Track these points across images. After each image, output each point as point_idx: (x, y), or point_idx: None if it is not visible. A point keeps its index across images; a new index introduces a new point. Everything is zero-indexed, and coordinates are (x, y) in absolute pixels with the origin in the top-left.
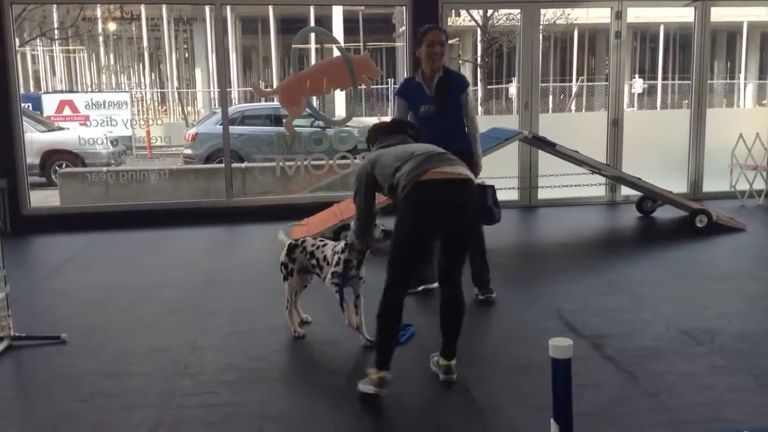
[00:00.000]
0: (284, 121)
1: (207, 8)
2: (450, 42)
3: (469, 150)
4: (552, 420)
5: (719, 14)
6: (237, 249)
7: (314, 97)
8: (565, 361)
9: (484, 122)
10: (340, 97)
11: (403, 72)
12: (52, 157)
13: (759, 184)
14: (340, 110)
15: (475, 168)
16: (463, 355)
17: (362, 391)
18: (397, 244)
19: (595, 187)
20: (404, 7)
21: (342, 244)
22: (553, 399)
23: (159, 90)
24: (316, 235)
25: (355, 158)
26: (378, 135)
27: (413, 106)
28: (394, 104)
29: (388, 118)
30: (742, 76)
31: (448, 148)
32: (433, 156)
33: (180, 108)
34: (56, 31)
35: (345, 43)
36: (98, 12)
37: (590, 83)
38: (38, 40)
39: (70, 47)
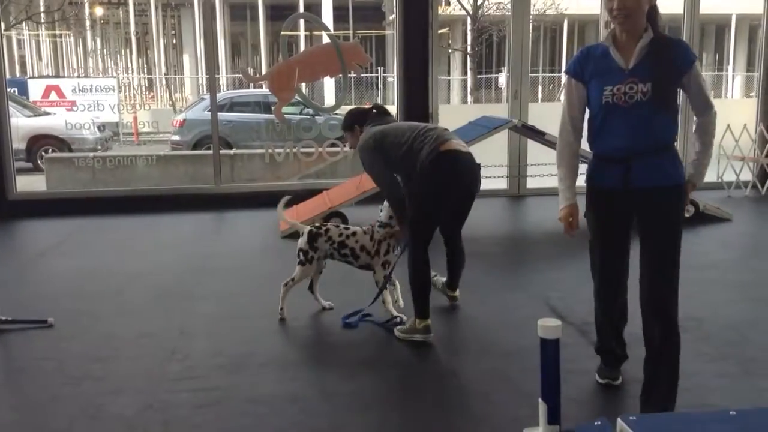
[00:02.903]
0: (273, 108)
1: None
2: (440, 31)
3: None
4: (540, 399)
5: (708, 6)
6: (225, 235)
7: (304, 84)
8: (553, 341)
9: (473, 111)
10: (329, 84)
11: (392, 60)
12: (39, 142)
13: (746, 175)
14: (329, 97)
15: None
16: (450, 341)
17: (408, 340)
18: (419, 207)
19: (583, 177)
20: None
21: (378, 229)
22: (542, 379)
23: (146, 76)
24: (306, 222)
25: (345, 146)
26: (367, 115)
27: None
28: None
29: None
30: (730, 67)
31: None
32: (444, 131)
33: (168, 94)
34: (42, 15)
35: (334, 31)
36: None
37: None
38: (24, 24)
39: (57, 32)
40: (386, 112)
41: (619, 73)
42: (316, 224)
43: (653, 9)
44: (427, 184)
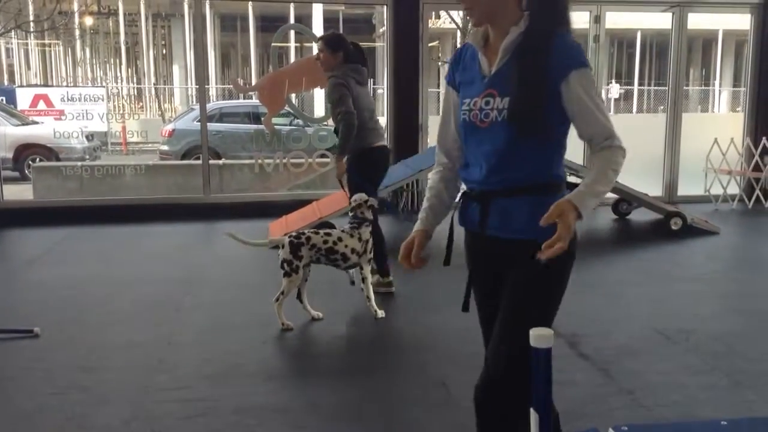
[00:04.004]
0: (263, 118)
1: (186, 4)
2: (430, 44)
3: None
4: (531, 409)
5: (695, 22)
6: (214, 246)
7: (293, 95)
8: (545, 350)
9: None
10: (319, 95)
11: (382, 72)
12: (26, 151)
13: (732, 189)
14: (319, 108)
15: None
16: (439, 351)
17: (381, 292)
18: (365, 186)
19: None
20: (385, 7)
21: (364, 229)
22: (533, 389)
23: (136, 85)
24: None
25: (329, 122)
26: (349, 48)
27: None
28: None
29: None
30: (717, 83)
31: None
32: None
33: (157, 104)
34: (32, 24)
35: None
36: (75, 6)
37: None
38: (13, 33)
39: (46, 41)
40: (362, 53)
41: (480, 81)
42: (293, 233)
43: None
44: (369, 164)
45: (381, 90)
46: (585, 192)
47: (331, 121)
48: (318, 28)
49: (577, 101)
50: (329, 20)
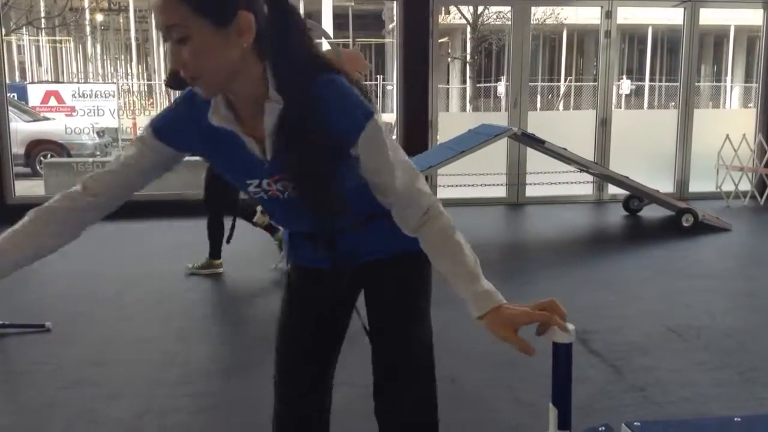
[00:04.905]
0: None
1: None
2: (440, 40)
3: None
4: (551, 404)
5: (707, 17)
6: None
7: None
8: (566, 345)
9: (473, 119)
10: None
11: (391, 68)
12: (38, 147)
13: (744, 185)
14: None
15: None
16: (449, 347)
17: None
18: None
19: (582, 186)
20: (395, 3)
21: None
22: (553, 383)
23: (146, 82)
24: None
25: None
26: None
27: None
28: None
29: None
30: (728, 78)
31: None
32: None
33: (167, 100)
34: (43, 21)
35: (334, 38)
36: (86, 2)
37: (578, 83)
38: (24, 30)
39: (57, 37)
40: None
41: (259, 165)
42: None
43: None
44: None
45: (390, 86)
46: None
47: None
48: (328, 24)
49: (371, 163)
50: (339, 16)
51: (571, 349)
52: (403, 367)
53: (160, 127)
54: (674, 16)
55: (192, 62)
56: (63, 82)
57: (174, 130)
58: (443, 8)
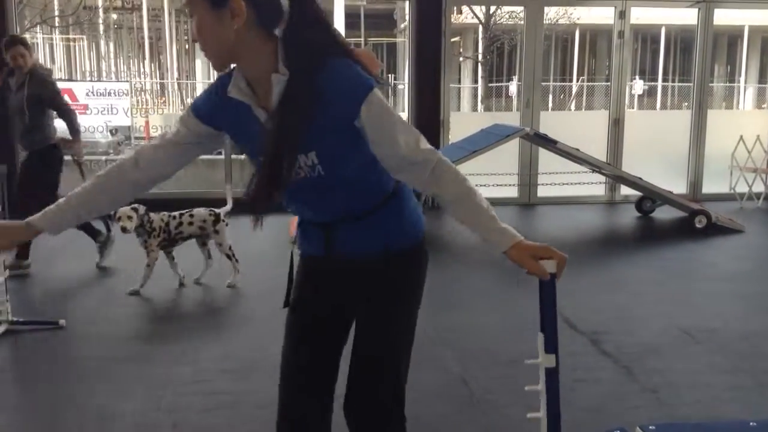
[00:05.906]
0: None
1: None
2: (452, 39)
3: None
4: (539, 332)
5: (721, 18)
6: (236, 239)
7: None
8: (551, 280)
9: (485, 119)
10: None
11: (403, 67)
12: None
13: (758, 187)
14: None
15: None
16: (460, 349)
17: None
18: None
19: (594, 186)
20: (407, 3)
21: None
22: (541, 314)
23: (159, 80)
24: None
25: None
26: None
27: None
28: None
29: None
30: (742, 79)
31: None
32: None
33: (180, 99)
34: (57, 19)
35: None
36: (99, 1)
37: (590, 83)
38: (38, 28)
39: (71, 36)
40: None
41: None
42: None
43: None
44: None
45: (402, 85)
46: (496, 227)
47: None
48: (340, 23)
49: (375, 134)
50: (351, 16)
51: (555, 281)
52: (377, 362)
53: (198, 105)
54: (688, 16)
55: (197, 37)
56: (76, 81)
57: (208, 107)
58: (455, 8)
